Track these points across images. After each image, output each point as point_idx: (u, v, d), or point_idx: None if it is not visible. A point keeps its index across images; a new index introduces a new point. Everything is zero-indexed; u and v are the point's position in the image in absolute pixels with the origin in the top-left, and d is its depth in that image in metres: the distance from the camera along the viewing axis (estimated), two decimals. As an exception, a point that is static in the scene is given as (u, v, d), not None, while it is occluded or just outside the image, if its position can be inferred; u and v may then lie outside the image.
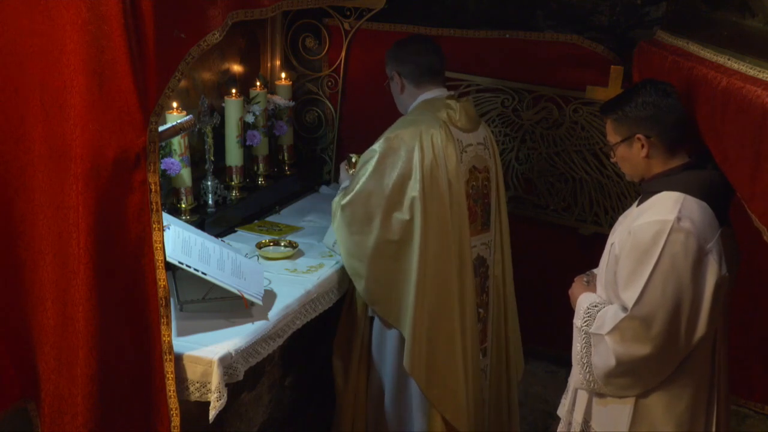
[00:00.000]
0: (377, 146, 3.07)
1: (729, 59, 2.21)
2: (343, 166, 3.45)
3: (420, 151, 3.00)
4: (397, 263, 3.04)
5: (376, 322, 3.23)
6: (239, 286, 2.69)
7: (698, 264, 2.26)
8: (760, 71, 2.03)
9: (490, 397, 3.37)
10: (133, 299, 2.28)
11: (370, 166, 3.06)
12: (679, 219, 2.25)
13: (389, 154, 3.03)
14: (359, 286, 3.11)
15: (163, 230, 2.31)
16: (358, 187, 3.09)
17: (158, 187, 2.25)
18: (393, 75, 3.23)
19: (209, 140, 3.39)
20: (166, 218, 2.77)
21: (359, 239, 3.08)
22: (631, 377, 2.38)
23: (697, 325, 2.29)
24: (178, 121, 2.94)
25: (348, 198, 3.11)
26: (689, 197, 2.31)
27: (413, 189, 2.99)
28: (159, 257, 2.27)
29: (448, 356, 3.08)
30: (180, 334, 2.56)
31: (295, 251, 3.26)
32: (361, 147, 3.18)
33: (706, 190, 2.33)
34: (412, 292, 3.01)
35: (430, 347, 3.06)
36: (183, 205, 3.25)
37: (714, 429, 2.43)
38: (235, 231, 3.47)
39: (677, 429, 2.39)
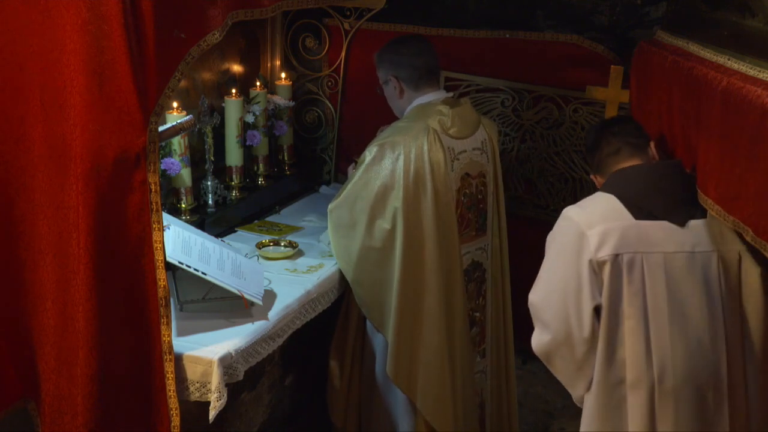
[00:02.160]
0: (368, 151, 3.05)
1: (729, 59, 2.21)
2: (350, 169, 3.44)
3: (405, 161, 2.97)
4: (380, 271, 3.02)
5: (368, 323, 3.23)
6: (239, 286, 2.69)
7: (579, 249, 2.36)
8: (760, 71, 2.03)
9: (492, 397, 3.37)
10: (133, 299, 2.28)
11: (359, 172, 3.05)
12: (569, 209, 2.44)
13: (376, 162, 3.01)
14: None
15: (163, 230, 2.31)
16: (345, 191, 3.08)
17: (158, 187, 2.25)
18: (389, 79, 3.19)
19: (209, 140, 3.38)
20: (166, 218, 2.77)
21: (345, 243, 3.08)
22: (553, 368, 2.50)
23: (582, 307, 2.36)
24: (178, 121, 2.94)
25: (336, 202, 3.11)
26: (601, 193, 2.47)
27: (396, 199, 2.97)
28: (159, 257, 2.27)
29: (433, 364, 3.06)
30: (180, 334, 2.56)
31: (295, 251, 3.26)
32: (361, 147, 3.18)
33: (620, 186, 2.44)
34: (394, 301, 3.00)
35: (413, 355, 3.05)
36: (183, 205, 3.25)
37: None
38: (235, 231, 3.47)
39: None
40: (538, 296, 2.50)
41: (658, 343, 2.34)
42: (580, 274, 2.37)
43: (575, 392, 2.50)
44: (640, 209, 2.38)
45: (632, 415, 2.37)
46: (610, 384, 2.39)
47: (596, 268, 2.35)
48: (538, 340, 2.50)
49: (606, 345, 2.37)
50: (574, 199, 3.75)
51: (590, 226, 2.37)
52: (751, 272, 2.38)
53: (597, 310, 2.38)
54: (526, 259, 3.74)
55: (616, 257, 2.34)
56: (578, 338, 2.40)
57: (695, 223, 2.39)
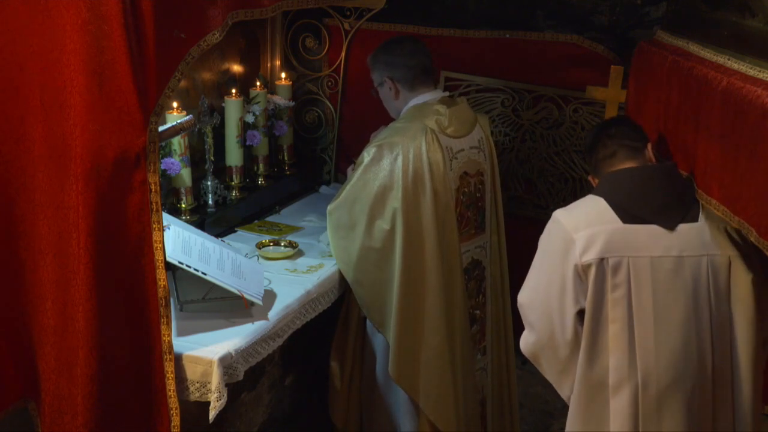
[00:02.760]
0: (366, 152, 3.05)
1: (729, 59, 2.21)
2: (349, 170, 3.44)
3: (403, 161, 2.97)
4: (379, 271, 3.02)
5: (368, 323, 3.23)
6: (239, 286, 2.69)
7: (565, 252, 2.36)
8: (760, 71, 2.03)
9: (493, 393, 3.37)
10: (133, 299, 2.28)
11: (357, 173, 3.05)
12: (558, 212, 2.44)
13: (375, 162, 3.01)
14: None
15: (163, 230, 2.31)
16: (344, 192, 3.08)
17: (158, 187, 2.25)
18: (384, 81, 3.19)
19: (209, 140, 3.38)
20: (166, 218, 2.77)
21: (345, 244, 3.08)
22: (540, 369, 2.53)
23: (565, 310, 2.37)
24: (178, 121, 2.94)
25: (335, 203, 3.11)
26: (591, 196, 2.46)
27: (395, 199, 2.97)
28: (159, 257, 2.27)
29: (434, 363, 3.06)
30: (180, 334, 2.56)
31: (295, 251, 3.26)
32: (361, 147, 3.18)
33: (609, 189, 2.43)
34: (394, 301, 3.00)
35: (415, 355, 3.05)
36: (183, 205, 3.25)
37: None
38: (235, 231, 3.47)
39: None
40: (525, 297, 2.52)
41: (642, 347, 2.33)
42: (565, 278, 2.37)
43: (562, 392, 2.51)
44: (628, 213, 2.37)
45: (614, 418, 2.36)
46: (591, 387, 2.39)
47: (581, 272, 2.34)
48: (525, 341, 2.53)
49: (588, 348, 2.37)
50: (574, 198, 3.73)
51: (577, 230, 2.36)
52: (741, 278, 2.36)
53: (581, 314, 2.38)
54: (526, 259, 3.74)
55: (601, 261, 2.33)
56: (561, 341, 2.41)
57: (685, 227, 2.37)
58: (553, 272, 2.41)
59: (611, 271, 2.33)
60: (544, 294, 2.44)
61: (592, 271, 2.33)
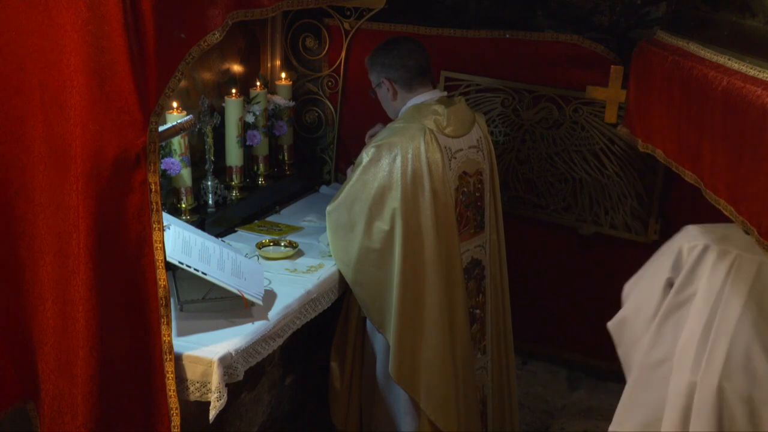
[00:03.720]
0: (365, 153, 3.05)
1: (729, 59, 2.21)
2: (349, 171, 3.44)
3: (402, 161, 2.97)
4: (379, 272, 3.02)
5: (368, 323, 3.23)
6: (239, 286, 2.69)
7: (676, 241, 2.48)
8: (760, 71, 2.03)
9: (493, 393, 3.38)
10: (133, 299, 2.28)
11: (356, 173, 3.05)
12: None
13: (373, 163, 3.01)
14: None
15: (163, 230, 2.31)
16: (343, 193, 3.08)
17: (158, 187, 2.25)
18: (381, 82, 3.19)
19: (209, 140, 3.39)
20: (166, 218, 2.78)
21: (344, 245, 3.08)
22: (620, 343, 2.61)
23: (654, 278, 2.46)
24: (178, 121, 2.94)
25: (334, 204, 3.11)
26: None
27: (394, 200, 2.97)
28: (159, 257, 2.27)
29: (435, 363, 3.06)
30: (180, 334, 2.57)
31: (295, 251, 3.26)
32: (361, 147, 3.18)
33: None
34: (394, 301, 3.00)
35: (415, 355, 3.05)
36: (183, 205, 3.25)
37: None
38: (235, 231, 3.47)
39: None
40: (629, 284, 2.61)
41: (718, 334, 2.29)
42: (668, 255, 2.46)
43: (628, 373, 2.56)
44: None
45: (671, 399, 2.36)
46: (655, 360, 2.43)
47: (685, 252, 2.41)
48: (614, 317, 2.61)
49: (664, 317, 2.41)
50: (574, 198, 3.75)
51: (694, 227, 2.46)
52: None
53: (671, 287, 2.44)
54: (526, 259, 3.76)
55: (707, 247, 2.38)
56: (646, 308, 2.48)
57: None
58: (659, 256, 2.51)
59: (716, 256, 2.36)
60: (647, 275, 2.53)
61: (696, 251, 2.39)
